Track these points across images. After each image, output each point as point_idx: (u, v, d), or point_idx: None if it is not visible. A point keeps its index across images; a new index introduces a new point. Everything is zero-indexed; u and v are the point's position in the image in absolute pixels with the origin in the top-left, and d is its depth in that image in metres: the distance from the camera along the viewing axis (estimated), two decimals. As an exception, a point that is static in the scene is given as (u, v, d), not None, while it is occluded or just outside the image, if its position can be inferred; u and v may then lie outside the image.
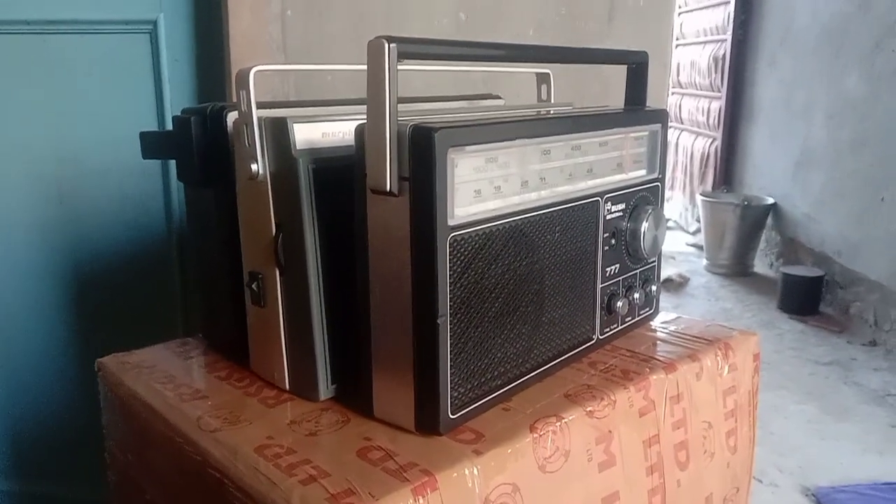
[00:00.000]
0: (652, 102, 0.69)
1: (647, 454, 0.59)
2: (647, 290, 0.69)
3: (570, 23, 1.20)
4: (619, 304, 0.65)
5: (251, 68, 0.52)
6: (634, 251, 0.66)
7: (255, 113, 0.52)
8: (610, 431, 0.55)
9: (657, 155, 0.68)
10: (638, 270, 0.68)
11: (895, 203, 2.47)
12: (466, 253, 0.49)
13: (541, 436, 0.51)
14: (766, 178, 3.44)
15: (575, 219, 0.58)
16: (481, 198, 0.50)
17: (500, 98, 0.80)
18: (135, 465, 0.61)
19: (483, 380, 0.52)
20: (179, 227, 1.09)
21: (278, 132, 0.53)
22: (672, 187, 4.35)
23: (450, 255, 0.47)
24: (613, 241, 0.64)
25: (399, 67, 0.45)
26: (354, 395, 0.54)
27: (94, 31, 1.02)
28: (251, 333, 0.60)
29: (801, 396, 2.10)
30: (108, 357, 0.66)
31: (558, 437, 0.52)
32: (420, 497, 0.44)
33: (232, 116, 0.58)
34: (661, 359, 0.63)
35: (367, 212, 0.48)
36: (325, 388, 0.56)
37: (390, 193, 0.46)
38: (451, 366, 0.49)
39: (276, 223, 0.55)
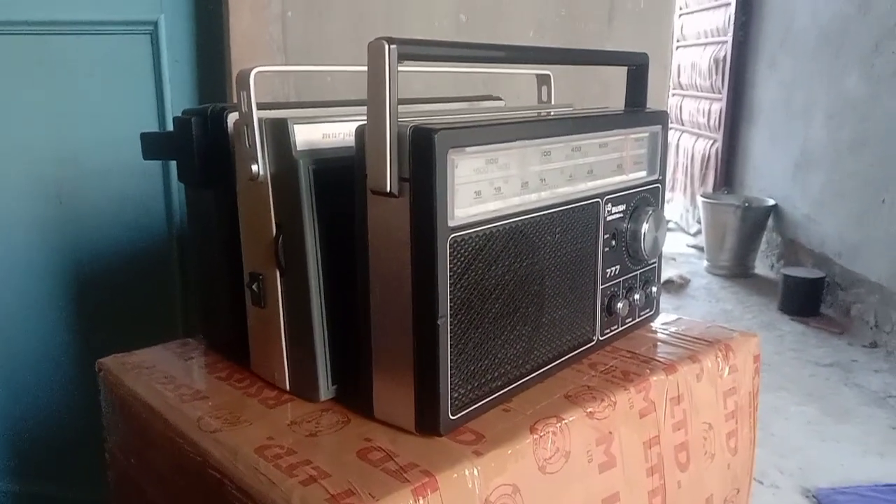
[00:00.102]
0: (652, 104, 0.69)
1: (647, 455, 0.59)
2: (648, 291, 0.69)
3: (570, 24, 1.20)
4: (620, 305, 0.65)
5: (252, 69, 0.52)
6: (635, 252, 0.66)
7: (256, 114, 0.52)
8: (610, 432, 0.55)
9: (657, 156, 0.68)
10: (638, 272, 0.68)
11: (895, 204, 2.47)
12: (467, 254, 0.49)
13: (541, 437, 0.51)
14: (766, 180, 3.44)
15: (575, 220, 0.58)
16: (481, 199, 0.50)
17: (500, 99, 0.80)
18: (135, 466, 0.61)
19: (483, 381, 0.52)
20: (180, 227, 1.09)
21: (279, 133, 0.53)
22: (673, 189, 4.35)
23: (450, 256, 0.47)
24: (614, 243, 0.64)
25: (399, 68, 0.45)
26: (355, 395, 0.54)
27: (95, 31, 1.02)
28: (251, 334, 0.60)
29: (802, 398, 2.10)
30: (108, 357, 0.66)
31: (559, 438, 0.52)
32: (420, 498, 0.44)
33: (232, 117, 0.58)
34: (661, 360, 0.63)
35: (368, 213, 0.49)
36: (325, 389, 0.56)
37: (390, 194, 0.46)
38: (451, 367, 0.49)
39: (276, 224, 0.55)
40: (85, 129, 1.05)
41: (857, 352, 2.45)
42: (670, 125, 0.98)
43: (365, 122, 0.46)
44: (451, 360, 0.49)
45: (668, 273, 3.15)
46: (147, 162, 0.72)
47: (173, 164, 0.92)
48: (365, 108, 0.46)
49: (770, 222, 3.33)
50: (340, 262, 0.54)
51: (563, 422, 0.52)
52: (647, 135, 0.67)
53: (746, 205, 3.28)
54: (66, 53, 1.02)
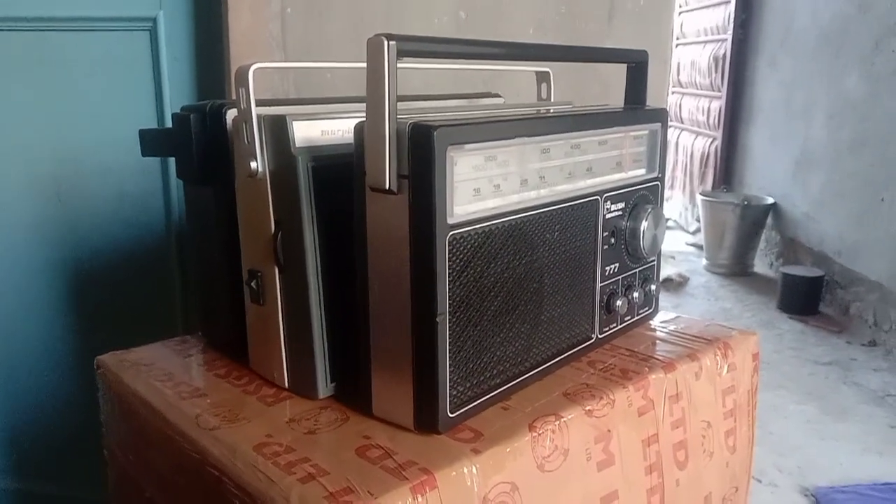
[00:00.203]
0: (652, 102, 0.69)
1: (645, 453, 0.59)
2: (647, 289, 0.69)
3: (570, 22, 1.20)
4: (619, 303, 0.65)
5: (251, 66, 0.52)
6: (634, 250, 0.66)
7: (255, 111, 0.52)
8: (609, 430, 0.55)
9: (657, 154, 0.68)
10: (637, 270, 0.68)
11: (895, 203, 2.47)
12: (465, 251, 0.48)
13: (540, 435, 0.51)
14: (765, 178, 3.44)
15: (574, 218, 0.58)
16: (480, 196, 0.50)
17: (499, 96, 0.80)
18: (133, 463, 0.61)
19: (482, 378, 0.52)
20: (179, 224, 1.08)
21: (278, 130, 0.53)
22: (672, 187, 4.35)
23: (449, 253, 0.47)
24: (613, 241, 0.63)
25: (399, 65, 0.45)
26: (353, 393, 0.54)
27: (94, 28, 1.01)
28: (250, 331, 0.60)
29: (801, 396, 2.10)
30: (107, 355, 0.66)
31: (557, 436, 0.52)
32: (419, 495, 0.44)
33: (231, 114, 0.58)
34: (660, 358, 0.63)
35: (367, 210, 0.48)
36: (324, 387, 0.56)
37: (389, 191, 0.46)
38: (449, 364, 0.49)
39: (275, 221, 0.55)
40: (84, 126, 1.04)
41: (856, 350, 2.45)
42: (670, 123, 0.98)
43: (364, 118, 0.46)
44: (449, 357, 0.48)
45: (667, 271, 3.15)
46: (146, 159, 0.72)
47: (172, 160, 0.92)
48: (364, 104, 0.46)
49: (769, 221, 3.33)
50: (339, 259, 0.54)
51: (562, 420, 0.52)
52: (646, 132, 0.67)
53: (746, 203, 3.28)
54: (65, 50, 1.02)
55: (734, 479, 0.70)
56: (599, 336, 0.64)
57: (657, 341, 0.68)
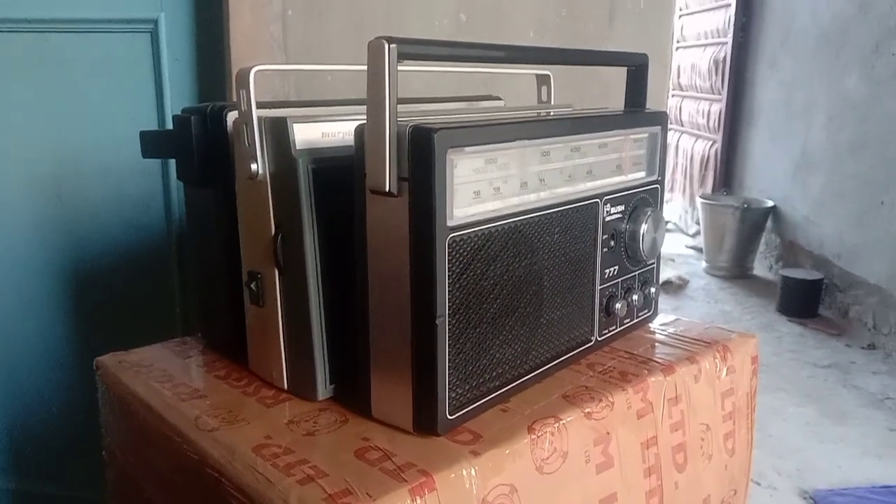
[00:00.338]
0: (652, 104, 0.69)
1: (644, 456, 0.59)
2: (646, 291, 0.70)
3: (570, 24, 1.20)
4: (618, 305, 0.65)
5: (251, 68, 0.52)
6: (633, 253, 0.66)
7: (255, 112, 0.52)
8: (608, 433, 0.55)
9: (657, 157, 0.68)
10: (637, 272, 0.68)
11: (895, 206, 2.47)
12: (465, 254, 0.49)
13: (539, 437, 0.51)
14: (765, 181, 3.45)
15: (574, 220, 0.59)
16: (480, 199, 0.50)
17: (499, 99, 0.80)
18: (133, 464, 0.61)
19: (481, 381, 0.52)
20: (179, 226, 1.09)
21: (278, 132, 0.53)
22: (672, 189, 4.35)
23: (448, 255, 0.47)
24: (612, 243, 0.64)
25: (399, 68, 0.45)
26: (353, 395, 0.54)
27: (95, 29, 1.02)
28: (250, 333, 0.60)
29: (800, 399, 2.10)
30: (106, 356, 0.66)
31: (556, 438, 0.52)
32: (418, 497, 0.44)
33: (232, 116, 0.58)
34: (659, 361, 0.63)
35: (367, 212, 0.49)
36: (323, 388, 0.56)
37: (389, 194, 0.46)
38: (449, 366, 0.49)
39: (275, 223, 0.55)
40: (84, 127, 1.05)
41: (856, 353, 2.45)
42: (670, 126, 0.98)
43: (364, 121, 0.46)
44: (448, 359, 0.49)
45: (666, 274, 3.15)
46: (146, 160, 0.72)
47: (173, 162, 0.92)
48: (364, 107, 0.46)
49: (769, 223, 3.33)
50: (339, 261, 0.54)
51: (561, 422, 0.52)
52: (646, 135, 0.67)
53: (745, 206, 3.28)
54: (66, 51, 1.02)
55: (733, 481, 0.70)
56: (599, 338, 0.64)
57: (656, 344, 0.68)
